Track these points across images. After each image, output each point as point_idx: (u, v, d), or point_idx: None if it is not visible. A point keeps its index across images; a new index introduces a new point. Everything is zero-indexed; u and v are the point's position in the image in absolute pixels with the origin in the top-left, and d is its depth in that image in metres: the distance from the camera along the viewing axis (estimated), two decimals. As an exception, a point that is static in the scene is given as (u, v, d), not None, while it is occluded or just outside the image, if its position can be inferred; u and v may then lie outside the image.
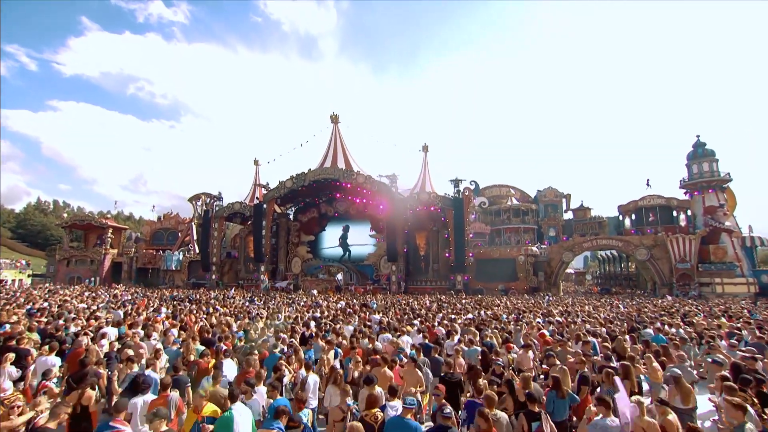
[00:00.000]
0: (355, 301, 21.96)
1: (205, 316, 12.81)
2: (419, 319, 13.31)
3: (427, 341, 8.78)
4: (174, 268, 44.35)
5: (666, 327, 10.70)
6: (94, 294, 22.79)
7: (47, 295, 20.99)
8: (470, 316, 14.34)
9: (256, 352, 6.76)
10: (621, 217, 40.67)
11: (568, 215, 43.15)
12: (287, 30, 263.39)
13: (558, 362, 6.47)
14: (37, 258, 71.31)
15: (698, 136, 37.70)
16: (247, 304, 18.73)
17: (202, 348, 7.19)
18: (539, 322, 12.33)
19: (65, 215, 58.21)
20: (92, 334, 8.12)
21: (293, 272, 41.39)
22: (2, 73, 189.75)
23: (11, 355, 6.16)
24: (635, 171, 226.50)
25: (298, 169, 38.87)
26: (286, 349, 7.62)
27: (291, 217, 44.51)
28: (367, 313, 15.89)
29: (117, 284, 42.10)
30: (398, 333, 10.03)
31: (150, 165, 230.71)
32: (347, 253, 42.61)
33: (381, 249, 39.80)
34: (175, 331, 8.78)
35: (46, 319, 10.44)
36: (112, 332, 8.61)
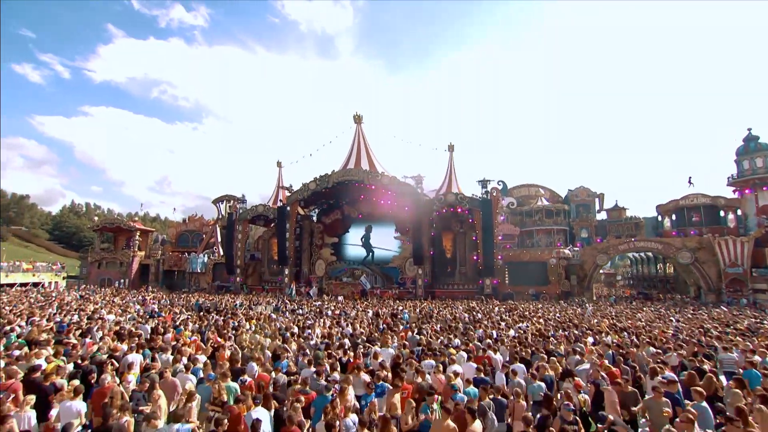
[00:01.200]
0: (384, 310, 21.07)
1: (233, 332, 12.19)
2: (461, 336, 12.37)
3: (482, 374, 7.81)
4: (199, 271, 44.66)
5: (748, 353, 9.33)
6: (122, 302, 22.74)
7: (78, 304, 20.97)
8: (513, 333, 13.23)
9: (301, 397, 5.94)
10: (660, 218, 38.42)
11: (602, 216, 41.12)
12: (304, 30, 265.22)
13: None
14: (72, 259, 73.73)
15: (750, 129, 34.95)
16: (272, 315, 18.14)
17: (235, 386, 6.47)
18: (590, 342, 11.23)
19: (96, 218, 59.63)
20: (118, 364, 7.55)
21: (317, 275, 40.97)
22: (39, 82, 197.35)
23: (31, 398, 5.60)
24: (673, 169, 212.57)
25: (321, 170, 38.45)
26: (327, 384, 6.83)
27: (314, 219, 44.11)
28: (399, 325, 15.11)
29: (145, 286, 42.77)
30: (441, 357, 9.14)
31: (174, 166, 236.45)
32: (370, 254, 41.90)
33: (406, 251, 38.92)
34: (204, 358, 8.10)
35: (74, 340, 9.99)
36: (137, 360, 8.03)
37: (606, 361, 8.38)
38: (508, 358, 9.35)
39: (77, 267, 56.81)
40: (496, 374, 8.39)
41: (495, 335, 12.61)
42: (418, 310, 22.20)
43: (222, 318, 16.22)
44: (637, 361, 8.88)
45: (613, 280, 54.50)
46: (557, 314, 19.57)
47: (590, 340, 11.27)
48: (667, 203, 37.14)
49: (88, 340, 10.57)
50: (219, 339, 10.43)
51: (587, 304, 25.03)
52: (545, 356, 8.78)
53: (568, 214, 41.00)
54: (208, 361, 8.13)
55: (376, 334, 12.79)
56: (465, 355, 9.63)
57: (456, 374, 7.76)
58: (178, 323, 14.23)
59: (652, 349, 9.49)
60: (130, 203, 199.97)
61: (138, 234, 49.33)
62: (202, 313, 18.65)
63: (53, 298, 25.52)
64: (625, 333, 12.39)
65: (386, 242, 41.71)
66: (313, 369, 7.65)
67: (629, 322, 14.65)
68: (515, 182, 46.86)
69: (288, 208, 38.97)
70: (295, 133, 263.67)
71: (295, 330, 13.38)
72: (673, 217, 36.54)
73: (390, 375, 7.82)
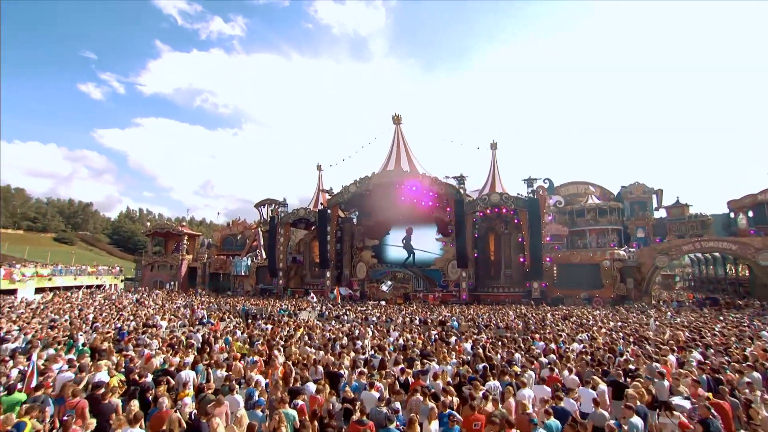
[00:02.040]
0: (430, 319, 20.33)
1: (282, 342, 11.95)
2: (522, 351, 11.45)
3: (560, 402, 6.93)
4: (243, 274, 45.83)
5: None
6: (174, 307, 23.46)
7: (134, 308, 21.83)
8: (577, 345, 12.11)
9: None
10: (732, 215, 35.01)
11: (660, 213, 38.11)
12: (337, 33, 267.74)
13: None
14: (128, 261, 78.43)
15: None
16: (317, 322, 17.92)
17: (293, 414, 6.04)
18: (672, 361, 9.94)
19: (148, 223, 62.93)
20: (173, 381, 7.39)
21: (358, 277, 40.84)
22: (99, 98, 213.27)
23: (92, 422, 5.44)
24: (744, 161, 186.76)
25: (360, 172, 38.31)
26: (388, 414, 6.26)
27: (355, 221, 44.04)
28: (450, 334, 14.36)
29: (193, 288, 44.46)
30: (506, 376, 8.34)
31: (216, 171, 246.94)
32: (411, 255, 41.28)
33: (449, 253, 37.96)
34: (260, 379, 7.78)
35: (132, 350, 10.08)
36: (191, 377, 7.85)
37: (702, 390, 7.25)
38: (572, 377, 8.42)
39: (133, 269, 60.22)
40: (566, 400, 7.47)
41: (556, 349, 11.63)
42: (465, 317, 21.38)
43: (270, 326, 16.17)
44: (740, 390, 7.64)
45: (671, 282, 50.51)
46: (619, 322, 18.04)
47: (671, 358, 9.99)
48: (741, 198, 33.66)
49: (146, 351, 10.66)
50: (274, 353, 10.10)
51: (650, 311, 23.04)
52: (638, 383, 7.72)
53: (622, 212, 38.30)
54: (262, 380, 7.80)
55: (429, 347, 12.13)
56: (533, 374, 8.79)
57: (527, 401, 6.99)
58: (226, 332, 14.25)
59: (757, 374, 8.16)
60: (177, 207, 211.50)
61: (186, 238, 51.44)
62: (249, 321, 18.81)
63: (113, 301, 26.92)
64: (710, 350, 10.97)
65: (427, 244, 40.96)
66: (374, 393, 7.11)
67: (714, 339, 13.01)
68: (562, 180, 44.58)
69: (329, 211, 39.10)
70: (333, 136, 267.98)
71: (345, 341, 13.01)
72: (750, 213, 33.03)
73: (456, 400, 7.16)
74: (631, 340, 12.62)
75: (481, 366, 9.69)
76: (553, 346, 11.92)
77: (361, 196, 38.78)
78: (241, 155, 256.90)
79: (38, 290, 34.09)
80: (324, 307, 24.83)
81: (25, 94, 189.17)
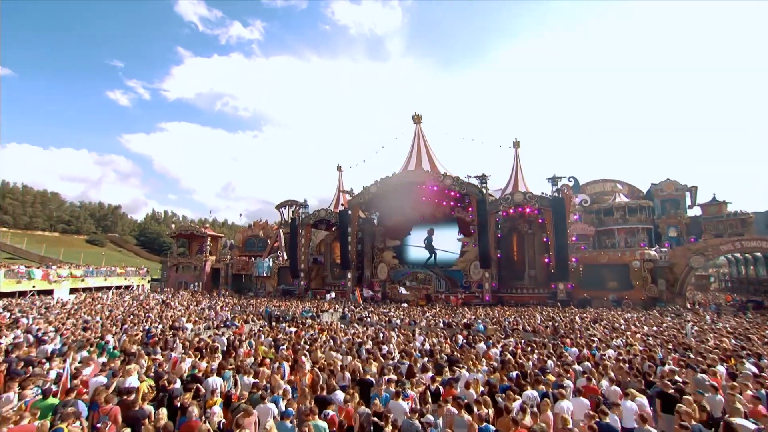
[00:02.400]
0: (454, 322, 19.93)
1: (308, 347, 11.84)
2: (554, 357, 11.00)
3: (603, 419, 6.48)
4: (265, 275, 46.37)
5: None
6: (199, 308, 23.82)
7: (160, 309, 22.25)
8: (612, 352, 11.51)
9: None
10: (776, 213, 33.30)
11: (694, 211, 36.51)
12: (354, 34, 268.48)
13: None
14: (154, 262, 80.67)
15: None
16: (341, 324, 17.81)
17: (324, 426, 5.86)
18: (722, 371, 9.27)
19: (173, 225, 64.51)
20: (203, 390, 7.34)
21: (379, 278, 40.71)
22: (126, 105, 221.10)
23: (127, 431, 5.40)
24: None
25: (381, 172, 38.18)
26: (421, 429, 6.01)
27: (375, 221, 43.93)
28: (477, 339, 13.97)
29: (216, 289, 45.25)
30: (541, 386, 7.95)
31: (237, 173, 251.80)
32: (433, 255, 40.86)
33: (471, 253, 37.39)
34: (287, 387, 7.66)
35: (160, 354, 10.16)
36: (219, 384, 7.78)
37: (763, 407, 6.69)
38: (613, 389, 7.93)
39: (158, 270, 61.84)
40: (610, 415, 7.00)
41: (590, 355, 11.09)
42: (490, 319, 20.90)
43: (293, 329, 16.15)
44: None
45: (706, 283, 48.34)
46: (654, 327, 17.20)
47: (720, 369, 9.33)
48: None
49: (173, 354, 10.74)
50: (301, 358, 9.98)
51: (686, 315, 21.96)
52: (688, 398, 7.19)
53: (652, 211, 36.86)
54: (289, 388, 7.67)
55: (457, 353, 11.80)
56: (570, 384, 8.36)
57: (567, 414, 6.60)
58: (251, 335, 14.27)
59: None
60: (200, 209, 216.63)
61: (209, 240, 52.45)
62: (273, 323, 18.87)
63: (141, 302, 27.59)
64: (764, 359, 10.24)
65: (449, 244, 40.49)
66: (402, 403, 6.86)
67: (763, 342, 12.19)
68: (587, 178, 43.35)
69: (349, 212, 39.09)
70: (352, 136, 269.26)
71: (369, 344, 12.82)
72: (797, 210, 31.34)
73: (492, 412, 6.85)
74: (671, 346, 11.94)
75: (513, 374, 9.34)
76: (586, 352, 11.40)
77: (382, 197, 38.60)
78: (261, 157, 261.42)
79: (72, 290, 35.34)
80: (346, 309, 24.74)
81: (60, 103, 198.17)
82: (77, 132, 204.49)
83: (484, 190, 34.66)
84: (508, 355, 11.08)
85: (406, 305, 29.74)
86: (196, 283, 48.81)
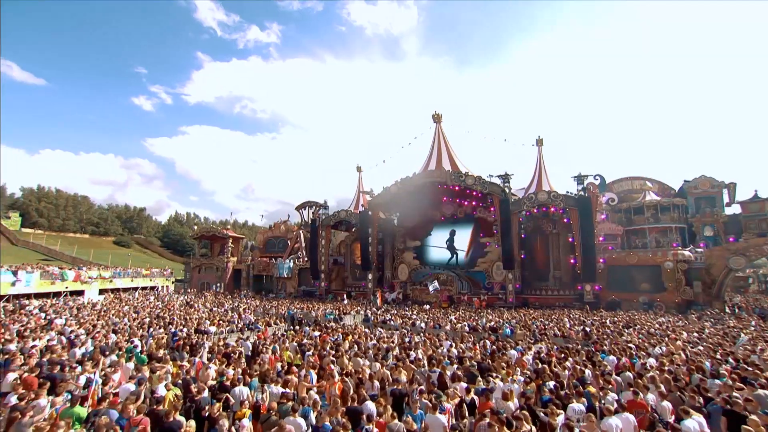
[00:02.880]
0: (480, 326, 19.43)
1: (333, 354, 11.62)
2: (587, 364, 10.45)
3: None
4: (286, 276, 46.64)
5: None
6: (222, 310, 24.00)
7: (184, 311, 22.51)
8: (653, 361, 10.81)
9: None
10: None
11: (733, 209, 34.70)
12: (370, 34, 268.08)
13: None
14: (177, 263, 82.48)
15: None
16: (364, 329, 17.55)
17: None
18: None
19: (195, 227, 65.85)
20: (232, 400, 7.19)
21: (400, 279, 40.39)
22: (150, 110, 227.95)
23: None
24: None
25: (401, 172, 37.83)
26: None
27: (395, 222, 43.61)
28: (506, 345, 13.47)
29: (238, 290, 45.81)
30: (582, 400, 7.48)
31: (257, 175, 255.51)
32: (455, 256, 40.25)
33: (493, 254, 36.67)
34: (317, 397, 7.44)
35: (186, 359, 10.11)
36: (245, 393, 7.62)
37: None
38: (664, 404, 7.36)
39: (181, 271, 63.17)
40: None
41: (630, 364, 10.46)
42: (517, 322, 20.31)
43: (317, 332, 16.00)
44: None
45: (744, 285, 46.01)
46: (693, 333, 16.25)
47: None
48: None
49: (197, 359, 10.69)
50: (329, 366, 9.77)
51: (728, 320, 20.79)
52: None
53: (686, 209, 35.25)
54: (318, 399, 7.44)
55: (487, 360, 11.35)
56: (614, 397, 7.85)
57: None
58: (275, 339, 14.17)
59: None
60: (220, 210, 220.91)
61: (230, 241, 53.14)
62: (296, 326, 18.80)
63: (165, 303, 28.08)
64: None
65: (470, 245, 39.81)
66: (440, 417, 6.52)
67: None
68: (614, 176, 41.88)
69: (370, 213, 38.90)
70: (370, 136, 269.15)
71: (396, 350, 12.52)
72: None
73: (533, 429, 6.44)
74: (719, 356, 11.18)
75: (550, 384, 8.88)
76: (625, 360, 10.78)
77: (402, 197, 38.24)
78: (279, 159, 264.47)
79: (101, 291, 36.36)
80: (369, 312, 24.52)
81: (89, 110, 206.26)
82: (105, 137, 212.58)
83: (507, 190, 33.90)
84: (542, 363, 10.59)
85: (428, 307, 29.33)
86: (218, 284, 49.55)
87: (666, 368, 9.45)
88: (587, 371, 9.79)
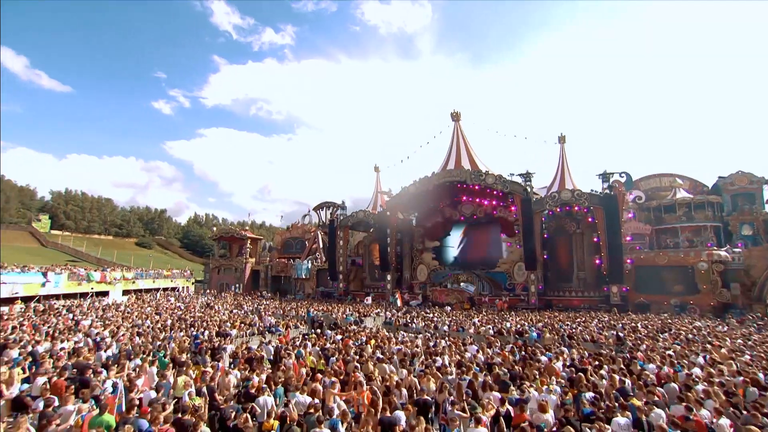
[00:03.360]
0: (505, 329, 18.89)
1: (358, 358, 11.34)
2: (625, 372, 9.90)
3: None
4: (304, 277, 46.82)
5: None
6: (242, 312, 24.08)
7: (205, 313, 22.66)
8: (697, 371, 10.12)
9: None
10: None
11: (776, 206, 32.94)
12: (384, 33, 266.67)
13: None
14: (197, 264, 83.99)
15: None
16: (387, 333, 17.26)
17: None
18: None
19: (214, 228, 66.88)
20: (258, 410, 6.99)
21: (419, 280, 39.99)
22: (169, 113, 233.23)
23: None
24: None
25: (418, 172, 37.43)
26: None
27: (414, 222, 43.23)
28: (535, 350, 12.96)
29: (256, 292, 46.18)
30: (626, 413, 6.99)
31: (273, 176, 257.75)
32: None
33: (514, 254, 35.92)
34: (346, 407, 7.18)
35: (210, 367, 9.99)
36: (269, 402, 7.41)
37: None
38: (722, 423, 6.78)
39: (201, 272, 64.24)
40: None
41: (673, 374, 9.82)
42: (543, 325, 19.70)
43: (340, 335, 15.80)
44: None
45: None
46: (738, 340, 15.26)
47: None
48: None
49: (220, 364, 10.58)
50: (356, 374, 9.49)
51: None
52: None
53: (721, 207, 33.67)
54: (347, 409, 7.18)
55: (518, 366, 10.89)
56: (661, 413, 7.31)
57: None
58: (297, 343, 13.99)
59: None
60: (238, 211, 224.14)
61: (248, 242, 53.70)
62: (317, 329, 18.65)
63: (186, 304, 28.42)
64: None
65: (490, 245, 39.14)
66: (479, 431, 6.17)
67: None
68: (640, 173, 40.41)
69: (388, 213, 38.64)
70: (388, 136, 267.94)
71: (422, 355, 12.20)
72: None
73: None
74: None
75: (588, 395, 8.39)
76: (667, 370, 10.14)
77: (421, 197, 37.84)
78: (295, 159, 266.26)
79: (125, 292, 37.16)
80: (389, 314, 24.24)
81: (112, 115, 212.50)
82: (127, 141, 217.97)
83: (529, 189, 33.12)
84: (577, 371, 10.09)
85: (449, 308, 28.90)
86: (237, 285, 50.11)
87: (716, 380, 8.82)
88: (627, 381, 9.26)
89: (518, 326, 19.33)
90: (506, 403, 7.70)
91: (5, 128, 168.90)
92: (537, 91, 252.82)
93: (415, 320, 21.63)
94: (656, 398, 7.93)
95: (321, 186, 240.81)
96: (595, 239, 31.63)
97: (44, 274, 30.37)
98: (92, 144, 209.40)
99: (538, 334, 17.42)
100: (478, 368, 10.76)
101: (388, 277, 39.16)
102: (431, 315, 23.98)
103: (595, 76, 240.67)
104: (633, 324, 19.82)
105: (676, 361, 10.97)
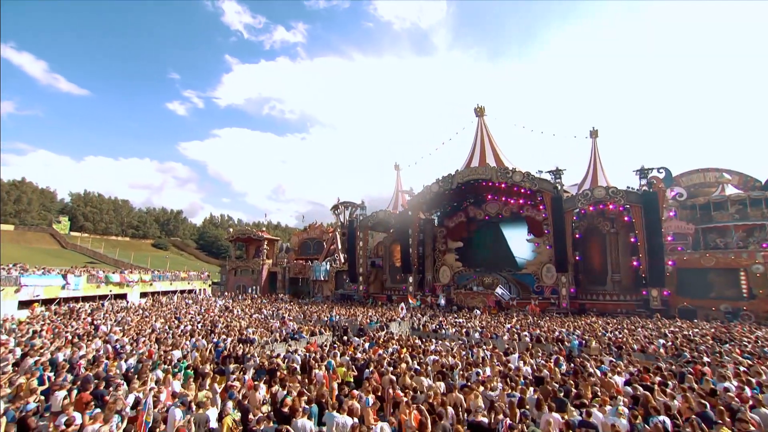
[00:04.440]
0: (540, 332, 17.91)
1: (392, 370, 10.62)
2: (699, 393, 8.90)
3: None
4: (322, 279, 46.42)
5: None
6: (262, 317, 23.68)
7: (225, 318, 22.32)
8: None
9: None
10: None
11: None
12: (398, 29, 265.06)
13: None
14: (213, 266, 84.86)
15: None
16: (417, 341, 16.50)
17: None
18: None
19: (231, 229, 67.29)
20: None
21: (442, 282, 39.10)
22: (183, 114, 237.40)
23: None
24: None
25: (438, 170, 36.61)
26: None
27: (436, 222, 42.35)
28: (584, 361, 12.03)
29: (274, 294, 45.99)
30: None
31: (287, 175, 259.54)
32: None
33: (543, 255, 34.74)
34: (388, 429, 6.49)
35: (237, 381, 9.42)
36: (308, 427, 6.76)
37: None
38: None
39: (217, 273, 64.69)
40: None
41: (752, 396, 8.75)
42: (584, 332, 18.67)
43: (367, 343, 15.13)
44: None
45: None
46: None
47: None
48: None
49: (247, 377, 10.01)
50: (397, 391, 8.77)
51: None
52: None
53: (776, 204, 31.57)
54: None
55: (570, 381, 9.98)
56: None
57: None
58: (324, 351, 13.38)
59: None
60: (252, 212, 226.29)
61: (265, 243, 53.66)
62: (342, 336, 18.07)
63: (205, 308, 28.24)
64: None
65: (517, 246, 38.00)
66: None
67: None
68: (682, 168, 38.60)
69: (410, 213, 37.88)
70: (404, 134, 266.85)
71: (460, 366, 11.41)
72: None
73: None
74: None
75: (661, 419, 7.45)
76: (748, 391, 9.02)
77: (444, 196, 36.94)
78: (309, 159, 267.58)
79: (142, 294, 37.41)
80: (415, 318, 23.49)
81: (127, 116, 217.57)
82: (142, 142, 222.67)
83: (559, 186, 31.89)
84: (641, 388, 9.11)
85: (478, 312, 27.99)
86: (254, 287, 50.07)
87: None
88: (707, 404, 8.24)
89: (557, 333, 18.31)
90: (570, 429, 6.87)
91: (27, 133, 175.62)
92: (561, 86, 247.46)
93: (443, 326, 20.83)
94: (752, 429, 6.94)
95: (336, 186, 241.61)
96: (632, 239, 30.25)
97: (64, 276, 30.69)
98: (109, 146, 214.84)
99: (580, 343, 16.43)
100: (523, 382, 9.93)
101: (410, 279, 38.40)
102: (461, 320, 23.12)
103: (622, 70, 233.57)
104: (684, 332, 18.59)
105: (753, 381, 9.85)
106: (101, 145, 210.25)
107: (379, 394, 8.95)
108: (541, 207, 34.32)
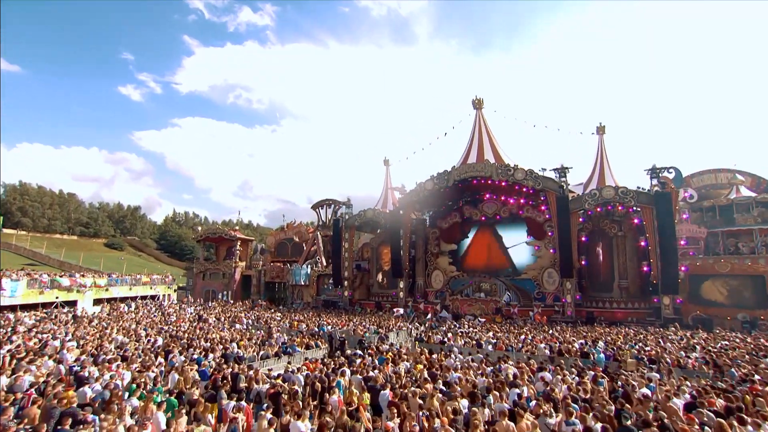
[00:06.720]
0: (565, 353, 17.23)
1: (415, 389, 9.57)
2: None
3: None
4: (303, 283, 44.93)
5: None
6: (243, 328, 22.21)
7: (200, 329, 20.76)
8: None
9: None
10: None
11: None
12: (376, 16, 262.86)
13: None
14: (176, 268, 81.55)
15: None
16: (428, 354, 15.53)
17: None
18: None
19: (199, 228, 64.70)
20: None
21: (434, 288, 38.37)
22: (139, 100, 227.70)
23: None
24: None
25: (428, 166, 35.94)
26: None
27: (428, 223, 41.59)
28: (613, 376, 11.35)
29: (249, 300, 44.19)
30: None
31: (255, 170, 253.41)
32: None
33: (544, 259, 34.57)
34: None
35: (236, 410, 8.17)
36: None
37: None
38: None
39: (181, 277, 62.02)
40: None
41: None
42: (603, 343, 18.15)
43: (373, 356, 14.04)
44: None
45: None
46: None
47: None
48: None
49: (243, 404, 8.72)
50: (432, 420, 7.76)
51: None
52: None
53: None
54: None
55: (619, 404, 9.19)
56: None
57: None
58: (330, 369, 12.21)
59: None
60: (217, 209, 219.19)
61: (238, 243, 51.70)
62: (339, 349, 16.93)
63: (175, 318, 26.40)
64: None
65: (515, 249, 37.64)
66: None
67: None
68: (693, 168, 39.13)
69: (401, 212, 36.96)
70: (388, 128, 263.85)
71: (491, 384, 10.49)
72: None
73: None
74: None
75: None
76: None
77: (439, 194, 36.21)
78: (280, 153, 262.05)
79: (96, 301, 34.96)
80: (418, 331, 22.55)
81: (70, 99, 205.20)
82: (88, 129, 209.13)
83: (564, 185, 31.61)
84: (711, 415, 8.40)
85: (482, 321, 27.36)
86: (225, 292, 48.09)
87: None
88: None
89: (578, 345, 17.71)
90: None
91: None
92: (559, 83, 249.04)
93: (448, 336, 19.98)
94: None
95: (309, 183, 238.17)
96: (642, 243, 30.30)
97: (-2, 281, 28.04)
98: (46, 132, 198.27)
99: (608, 356, 15.85)
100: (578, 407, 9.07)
101: (401, 284, 37.45)
102: (465, 329, 22.34)
103: (620, 62, 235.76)
104: (712, 344, 18.35)
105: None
106: (37, 131, 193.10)
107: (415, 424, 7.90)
108: (542, 207, 34.08)
